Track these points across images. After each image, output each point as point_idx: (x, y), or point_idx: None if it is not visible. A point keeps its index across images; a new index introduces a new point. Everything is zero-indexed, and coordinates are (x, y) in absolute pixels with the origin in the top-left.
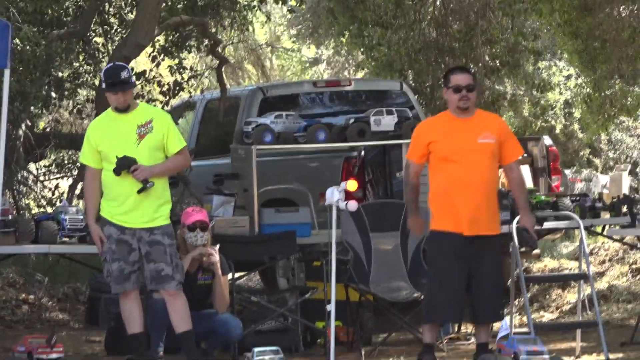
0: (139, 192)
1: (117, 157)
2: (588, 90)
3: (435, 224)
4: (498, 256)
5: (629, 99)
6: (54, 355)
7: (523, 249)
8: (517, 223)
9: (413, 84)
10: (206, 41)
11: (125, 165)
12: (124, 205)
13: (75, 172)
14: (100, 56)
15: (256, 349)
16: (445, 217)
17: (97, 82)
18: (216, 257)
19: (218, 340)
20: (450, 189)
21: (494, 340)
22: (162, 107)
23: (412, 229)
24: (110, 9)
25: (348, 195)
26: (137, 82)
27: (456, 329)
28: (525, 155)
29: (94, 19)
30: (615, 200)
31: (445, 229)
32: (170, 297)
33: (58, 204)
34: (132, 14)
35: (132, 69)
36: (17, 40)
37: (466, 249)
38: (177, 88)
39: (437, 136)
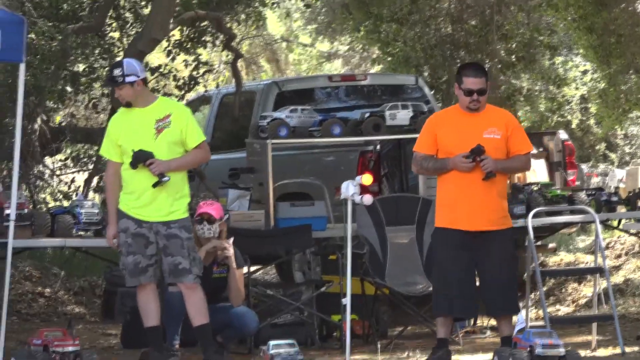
0: (154, 186)
1: (133, 150)
2: (603, 85)
3: (438, 220)
4: (506, 250)
5: None
6: (70, 348)
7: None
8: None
9: (429, 80)
10: (221, 36)
11: (141, 159)
12: (140, 199)
13: (91, 166)
14: (116, 51)
15: (272, 342)
16: (448, 214)
17: None
18: (230, 251)
19: (234, 333)
20: (453, 185)
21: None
22: (178, 101)
23: (461, 164)
24: (125, 4)
25: (363, 189)
26: (152, 77)
27: (472, 322)
28: (541, 149)
29: (109, 14)
30: (631, 194)
31: (447, 226)
32: (188, 291)
33: (74, 197)
34: (147, 8)
35: (147, 63)
36: (33, 35)
37: (469, 244)
38: (193, 82)
39: (444, 129)
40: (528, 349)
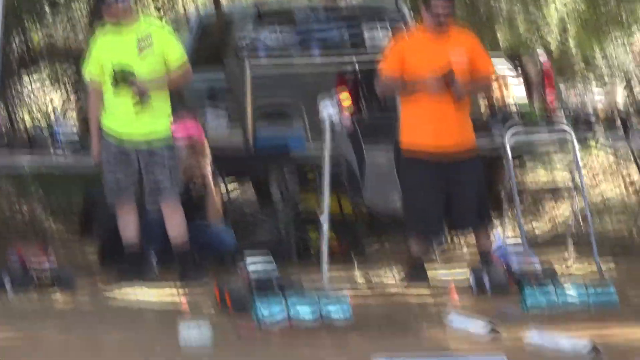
0: (135, 105)
1: (114, 70)
2: (583, 6)
3: (405, 142)
4: (475, 171)
5: (623, 14)
6: (48, 266)
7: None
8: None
9: (409, 2)
10: None
11: (122, 77)
12: (122, 119)
13: (69, 86)
14: None
15: (249, 259)
16: (416, 136)
17: None
18: (208, 170)
19: (212, 252)
20: (421, 107)
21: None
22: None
23: (432, 86)
24: None
25: (342, 109)
26: None
27: (448, 239)
28: (520, 70)
29: None
30: (609, 113)
31: (416, 148)
32: (168, 210)
33: (52, 117)
34: None
35: None
36: None
37: (439, 170)
38: (172, 4)
39: (412, 52)
40: (504, 266)
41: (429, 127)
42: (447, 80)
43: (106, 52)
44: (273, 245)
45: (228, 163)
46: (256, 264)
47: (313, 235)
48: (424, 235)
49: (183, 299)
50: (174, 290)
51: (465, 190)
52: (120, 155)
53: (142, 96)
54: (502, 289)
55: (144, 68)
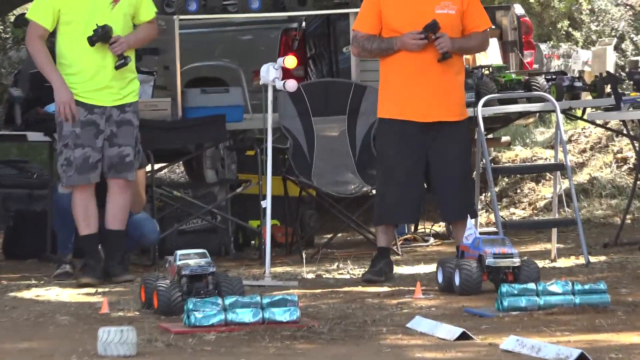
0: (117, 68)
1: (97, 25)
2: None
3: (383, 110)
4: (463, 146)
5: None
6: None
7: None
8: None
9: None
10: None
11: (104, 36)
12: (94, 81)
13: None
14: None
15: (179, 252)
16: (395, 103)
17: None
18: None
19: (131, 244)
20: (402, 68)
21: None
22: None
23: (411, 41)
24: None
25: (286, 74)
26: None
27: (412, 229)
28: (493, 27)
29: None
30: (597, 79)
31: (394, 117)
32: (119, 189)
33: None
34: None
35: None
36: None
37: (421, 137)
38: None
39: (390, 4)
40: (477, 258)
41: (411, 93)
42: (429, 34)
43: (69, 1)
44: (207, 234)
45: (153, 137)
46: (187, 258)
47: (254, 223)
48: (401, 223)
49: (103, 300)
50: (93, 289)
51: (449, 169)
52: (89, 125)
53: (121, 57)
54: (474, 287)
55: (118, 22)
